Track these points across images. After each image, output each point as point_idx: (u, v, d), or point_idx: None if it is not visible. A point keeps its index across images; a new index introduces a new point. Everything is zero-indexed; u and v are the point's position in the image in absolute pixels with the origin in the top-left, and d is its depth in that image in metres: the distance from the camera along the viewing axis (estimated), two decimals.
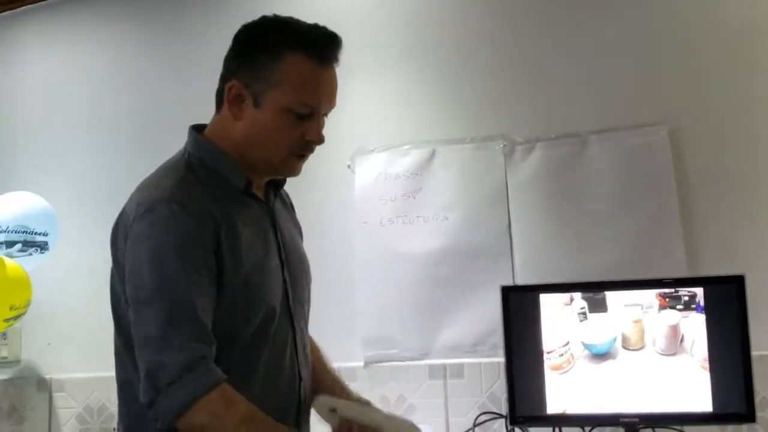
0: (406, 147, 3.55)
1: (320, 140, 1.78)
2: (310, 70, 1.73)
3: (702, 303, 2.82)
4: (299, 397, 1.88)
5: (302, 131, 1.75)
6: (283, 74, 1.72)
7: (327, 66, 1.77)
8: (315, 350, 2.07)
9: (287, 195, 2.09)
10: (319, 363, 2.06)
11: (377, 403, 3.33)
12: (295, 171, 1.84)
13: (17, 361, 3.84)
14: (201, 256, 1.60)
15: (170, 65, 3.92)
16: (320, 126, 1.78)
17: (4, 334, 3.79)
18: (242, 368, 1.69)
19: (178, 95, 3.83)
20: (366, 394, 3.33)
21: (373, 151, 3.59)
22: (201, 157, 1.78)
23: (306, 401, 1.90)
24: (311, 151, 1.82)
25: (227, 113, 1.78)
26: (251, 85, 1.74)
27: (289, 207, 2.08)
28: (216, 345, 1.60)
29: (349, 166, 3.59)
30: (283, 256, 1.84)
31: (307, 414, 1.93)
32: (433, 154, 3.51)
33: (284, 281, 1.82)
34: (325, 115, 1.82)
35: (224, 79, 1.80)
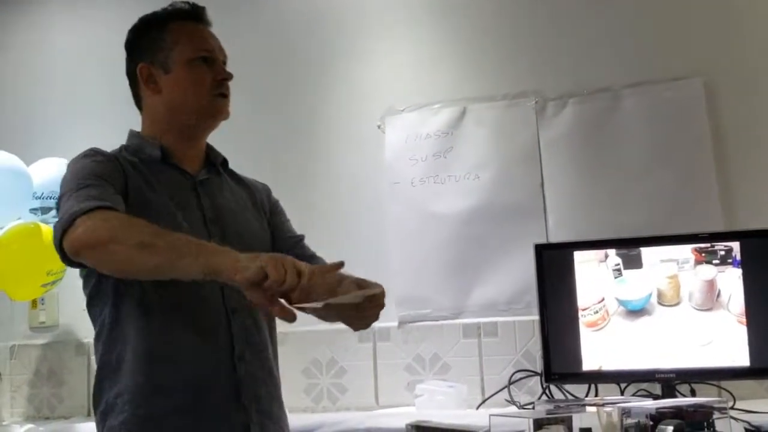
0: (437, 106, 3.53)
1: (229, 75, 2.01)
2: (192, 26, 2.04)
3: (738, 257, 2.80)
4: (231, 344, 1.88)
5: (212, 74, 1.99)
6: (174, 35, 2.02)
7: (199, 23, 2.05)
8: None
9: (255, 184, 2.21)
10: None
11: (412, 362, 3.36)
12: (224, 110, 2.02)
13: (55, 326, 3.89)
14: (109, 176, 1.84)
15: None
16: (225, 69, 2.03)
17: (42, 299, 3.84)
18: (145, 312, 1.83)
19: None
20: (400, 354, 3.40)
21: (403, 110, 3.57)
22: (127, 144, 2.08)
23: (246, 377, 1.90)
24: (227, 89, 2.01)
25: (147, 95, 2.07)
26: (154, 59, 2.04)
27: (246, 185, 2.17)
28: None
29: (379, 127, 3.57)
30: (207, 217, 1.96)
31: (251, 395, 1.91)
32: (463, 113, 3.49)
33: (209, 239, 1.87)
34: (224, 62, 2.05)
35: (131, 74, 2.16)
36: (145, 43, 2.08)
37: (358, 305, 1.79)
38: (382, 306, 1.85)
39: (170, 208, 1.91)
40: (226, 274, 1.57)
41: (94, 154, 1.93)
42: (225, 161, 2.15)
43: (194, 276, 1.61)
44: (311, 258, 2.11)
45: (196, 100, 1.99)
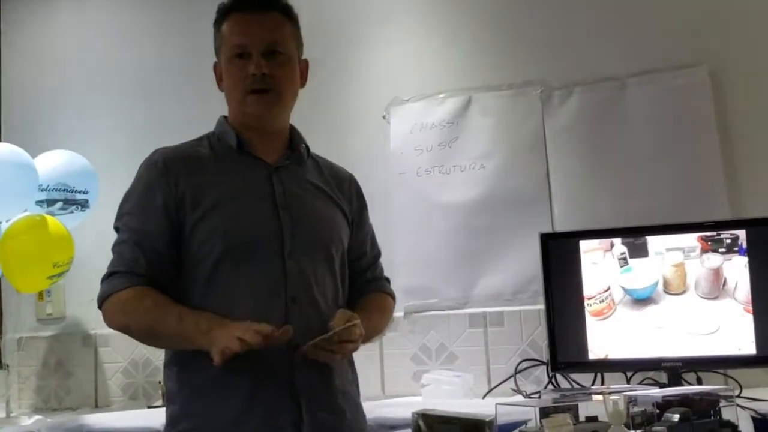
0: (442, 96, 3.53)
1: (257, 71, 1.97)
2: (233, 20, 2.03)
3: (744, 245, 2.79)
4: (293, 339, 1.88)
5: (247, 69, 1.98)
6: (222, 32, 2.06)
7: (246, 11, 2.03)
8: (370, 302, 2.16)
9: (344, 179, 2.22)
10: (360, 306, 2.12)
11: (418, 352, 3.37)
12: (255, 109, 2.01)
13: (62, 318, 3.89)
14: (153, 198, 1.95)
15: (200, 19, 3.90)
16: (259, 61, 1.98)
17: (49, 291, 3.84)
18: (209, 300, 1.92)
19: (210, 49, 3.82)
20: (407, 344, 3.40)
21: (408, 100, 3.56)
22: (214, 130, 2.12)
23: (301, 366, 1.91)
24: (264, 84, 1.99)
25: (222, 91, 2.11)
26: (218, 57, 2.10)
27: (327, 172, 2.17)
28: (148, 264, 1.92)
29: (384, 117, 3.57)
30: (279, 204, 1.98)
31: (305, 386, 1.92)
32: (468, 102, 3.48)
33: (279, 225, 1.96)
34: (271, 53, 2.00)
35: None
36: (214, 42, 2.12)
37: (330, 341, 1.86)
38: (354, 344, 1.92)
39: (236, 199, 1.96)
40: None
41: (149, 168, 2.01)
42: (306, 147, 2.15)
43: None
44: (368, 283, 2.20)
45: (235, 98, 2.03)
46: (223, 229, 1.92)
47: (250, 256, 1.92)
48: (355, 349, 1.94)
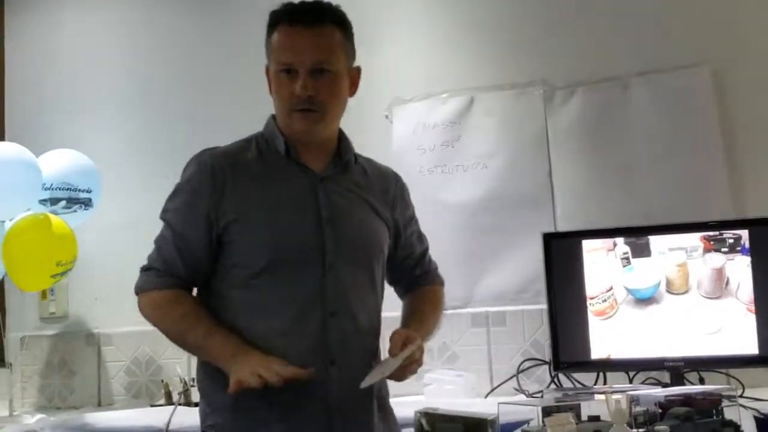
0: (444, 95, 3.53)
1: (302, 93, 1.93)
2: (282, 33, 1.97)
3: (747, 245, 2.79)
4: (330, 352, 1.92)
5: (293, 87, 1.94)
6: (272, 43, 1.99)
7: (296, 25, 1.96)
8: (423, 295, 2.22)
9: (389, 179, 2.23)
10: (413, 306, 2.19)
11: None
12: (299, 126, 1.98)
13: (65, 317, 3.90)
14: (198, 202, 1.95)
15: (205, 21, 3.91)
16: (305, 81, 1.93)
17: (52, 290, 3.85)
18: (248, 308, 1.94)
19: (214, 51, 3.83)
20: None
21: (410, 100, 3.57)
22: (263, 132, 2.08)
23: (337, 382, 1.92)
24: (309, 105, 1.95)
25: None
26: (268, 61, 2.03)
27: (373, 177, 2.17)
28: (185, 267, 1.96)
29: (386, 117, 3.58)
30: (323, 217, 1.97)
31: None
32: (471, 102, 3.48)
33: (322, 238, 1.95)
34: (318, 71, 1.95)
35: None
36: (266, 48, 2.06)
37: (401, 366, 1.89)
38: (418, 362, 1.94)
39: (280, 209, 1.96)
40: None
41: (198, 168, 2.00)
42: (355, 154, 2.14)
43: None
44: (420, 277, 2.24)
45: (280, 111, 2.01)
46: (266, 241, 1.92)
47: (291, 269, 1.92)
48: (420, 366, 1.95)
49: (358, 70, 2.10)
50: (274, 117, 2.07)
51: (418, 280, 2.23)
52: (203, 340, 1.88)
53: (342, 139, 2.11)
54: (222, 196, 1.94)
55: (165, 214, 2.01)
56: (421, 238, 2.29)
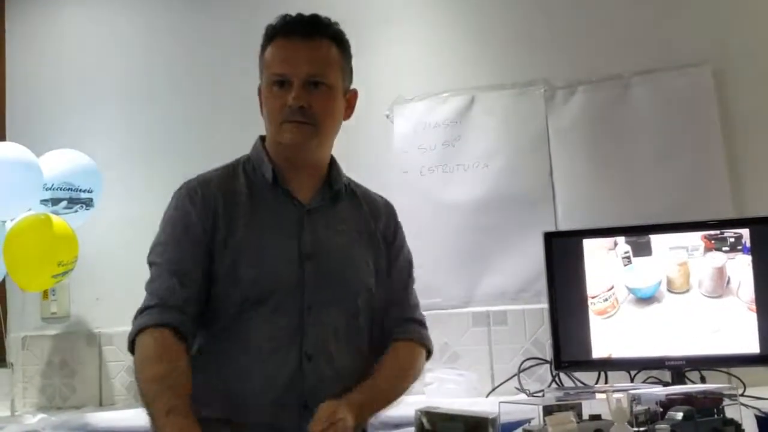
0: (445, 95, 3.53)
1: (294, 103, 1.88)
2: (277, 45, 1.94)
3: (748, 244, 2.79)
4: (304, 395, 1.85)
5: (285, 99, 1.89)
6: (265, 57, 1.96)
7: (290, 38, 1.93)
8: (385, 358, 2.02)
9: (377, 207, 2.13)
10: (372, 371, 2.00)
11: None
12: (290, 138, 1.92)
13: (66, 317, 3.90)
14: (190, 229, 1.89)
15: (205, 21, 3.91)
16: (299, 92, 1.89)
17: (53, 290, 3.85)
18: (226, 341, 1.88)
19: (214, 51, 3.83)
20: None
21: (411, 100, 3.57)
22: (250, 155, 2.03)
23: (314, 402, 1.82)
24: (301, 116, 1.90)
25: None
26: (261, 80, 1.99)
27: (364, 209, 2.08)
28: (183, 290, 1.84)
29: (387, 116, 3.58)
30: (304, 253, 1.91)
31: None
32: (472, 101, 3.49)
33: (302, 275, 1.89)
34: (313, 84, 1.91)
35: None
36: (259, 66, 2.02)
37: None
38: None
39: (262, 243, 1.89)
40: None
41: (187, 196, 1.94)
42: (347, 186, 2.07)
43: None
44: (398, 323, 2.06)
45: (270, 127, 1.96)
46: (244, 275, 1.86)
47: (269, 306, 1.86)
48: None
49: (355, 93, 2.06)
50: (262, 139, 2.03)
51: (396, 327, 2.06)
52: (164, 416, 1.67)
53: (333, 167, 2.04)
54: (214, 220, 1.89)
55: (154, 252, 1.91)
56: (410, 275, 2.16)
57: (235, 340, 1.87)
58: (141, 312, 1.84)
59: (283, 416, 1.83)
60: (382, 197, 2.17)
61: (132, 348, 1.83)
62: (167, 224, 1.93)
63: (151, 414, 1.71)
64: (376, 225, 2.07)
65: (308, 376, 1.85)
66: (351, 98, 2.04)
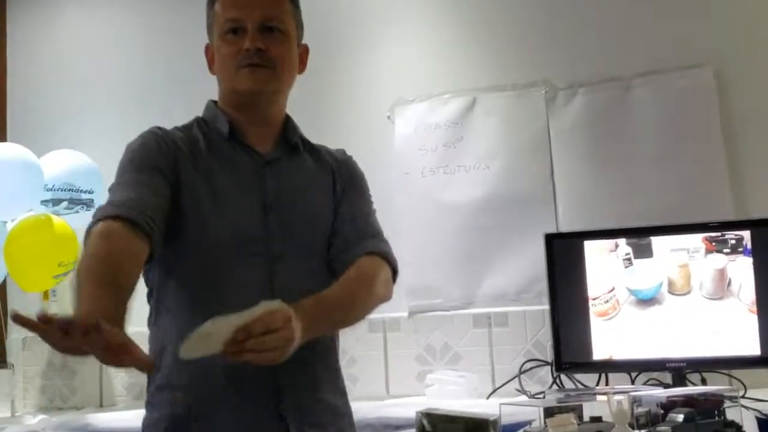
0: (446, 96, 3.53)
1: (251, 46, 1.85)
2: None
3: (749, 246, 2.79)
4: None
5: (241, 45, 1.86)
6: (215, 11, 1.95)
7: None
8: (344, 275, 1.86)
9: (339, 160, 2.05)
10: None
11: (422, 352, 3.37)
12: (248, 83, 1.88)
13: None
14: (154, 164, 1.81)
15: (205, 20, 3.91)
16: (254, 35, 1.86)
17: (54, 290, 3.85)
18: (187, 297, 1.79)
19: None
20: (411, 344, 3.40)
21: (412, 101, 3.56)
22: (204, 115, 2.01)
23: (287, 385, 1.78)
24: (259, 59, 1.86)
25: (213, 72, 2.00)
26: (210, 37, 1.99)
27: (322, 159, 2.02)
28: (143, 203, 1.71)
29: (388, 117, 3.58)
30: (267, 203, 1.86)
31: (292, 404, 1.79)
32: (473, 103, 3.49)
33: (266, 226, 1.84)
34: (267, 29, 1.88)
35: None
36: (207, 22, 2.01)
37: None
38: (272, 350, 1.53)
39: (223, 193, 1.82)
40: None
41: (149, 134, 1.92)
42: (304, 140, 2.00)
43: None
44: (358, 240, 1.92)
45: (226, 77, 1.92)
46: (208, 227, 1.79)
47: (235, 258, 1.79)
48: (274, 354, 1.53)
49: (307, 48, 2.02)
50: (214, 102, 2.00)
51: (352, 247, 1.90)
52: (81, 289, 1.50)
53: (288, 121, 1.99)
54: (176, 162, 1.83)
55: (113, 184, 1.79)
56: (369, 223, 2.00)
57: (204, 292, 1.78)
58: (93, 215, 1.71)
59: (253, 374, 1.71)
60: (343, 151, 2.09)
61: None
62: (125, 165, 1.83)
63: (75, 286, 1.54)
64: (336, 176, 2.00)
65: None
66: (303, 53, 2.00)
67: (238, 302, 1.55)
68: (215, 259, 1.79)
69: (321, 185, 1.97)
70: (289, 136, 1.97)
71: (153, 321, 1.85)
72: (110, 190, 1.78)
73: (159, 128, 1.93)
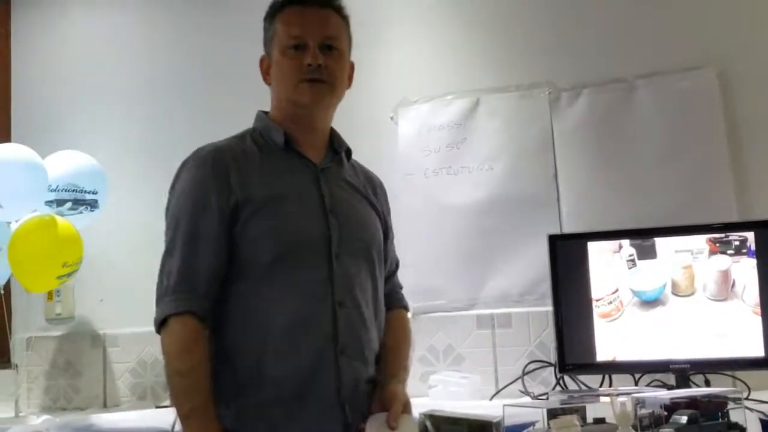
0: (450, 97, 3.53)
1: (313, 62, 1.96)
2: (291, 12, 2.02)
3: (753, 247, 2.79)
4: (336, 343, 1.90)
5: (301, 60, 1.97)
6: (276, 24, 2.03)
7: (305, 5, 2.03)
8: (396, 329, 2.15)
9: (368, 178, 2.21)
10: (390, 343, 2.10)
11: (425, 353, 3.37)
12: (308, 97, 1.99)
13: (71, 318, 3.90)
14: (207, 198, 1.90)
15: (209, 20, 3.91)
16: (316, 53, 1.98)
17: (58, 291, 3.85)
18: (261, 294, 1.89)
19: (220, 51, 3.83)
20: (414, 345, 3.39)
21: (415, 102, 3.56)
22: (256, 126, 2.09)
23: (347, 373, 1.92)
24: (319, 75, 1.98)
25: (268, 84, 2.08)
26: (267, 50, 2.07)
27: (362, 175, 2.18)
28: (206, 272, 1.87)
29: (392, 118, 3.58)
30: (327, 206, 1.98)
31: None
32: (476, 104, 3.49)
33: (327, 228, 1.96)
34: (326, 47, 2.02)
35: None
36: (264, 36, 2.09)
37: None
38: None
39: (283, 200, 1.94)
40: None
41: (200, 163, 1.96)
42: (349, 150, 2.15)
43: None
44: (388, 295, 2.16)
45: (285, 89, 2.01)
46: (275, 229, 1.90)
47: (300, 258, 1.91)
48: None
49: (353, 65, 2.15)
50: (265, 113, 2.09)
51: (389, 298, 2.17)
52: (185, 417, 1.80)
53: (333, 133, 2.13)
54: (229, 185, 1.91)
55: (171, 223, 1.93)
56: (394, 251, 2.28)
57: (268, 295, 1.89)
58: (164, 293, 1.87)
59: (321, 361, 1.88)
60: (374, 174, 2.26)
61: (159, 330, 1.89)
62: (182, 195, 1.94)
63: (174, 406, 1.82)
64: (376, 197, 2.17)
65: (342, 323, 1.91)
66: (350, 69, 2.15)
67: (304, 300, 1.88)
68: (281, 261, 1.89)
69: (361, 195, 2.12)
70: (336, 146, 2.11)
71: (219, 328, 1.92)
72: (167, 246, 1.91)
73: (211, 151, 1.98)
